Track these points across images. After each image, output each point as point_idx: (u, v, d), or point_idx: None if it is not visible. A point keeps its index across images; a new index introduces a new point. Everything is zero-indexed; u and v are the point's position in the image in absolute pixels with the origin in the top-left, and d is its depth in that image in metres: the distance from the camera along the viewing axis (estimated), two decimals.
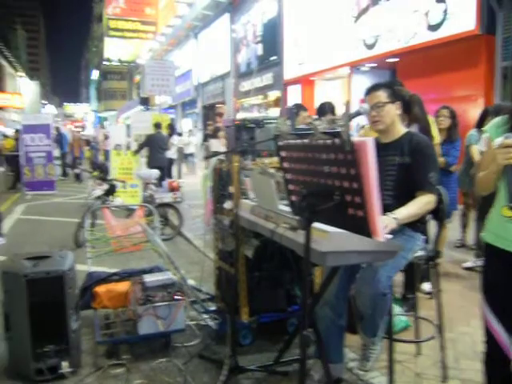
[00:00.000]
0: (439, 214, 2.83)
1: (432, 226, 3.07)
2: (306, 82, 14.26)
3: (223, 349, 3.16)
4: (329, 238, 2.02)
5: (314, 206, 1.96)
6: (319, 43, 12.86)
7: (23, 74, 71.59)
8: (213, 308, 3.69)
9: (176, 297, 3.33)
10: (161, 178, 8.30)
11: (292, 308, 3.48)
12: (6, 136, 17.90)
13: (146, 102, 18.77)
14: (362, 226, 1.85)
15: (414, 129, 3.59)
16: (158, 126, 9.98)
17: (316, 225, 2.03)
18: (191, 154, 16.90)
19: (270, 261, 3.12)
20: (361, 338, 2.71)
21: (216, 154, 3.74)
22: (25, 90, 64.71)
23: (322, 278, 2.89)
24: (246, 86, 18.22)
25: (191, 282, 4.20)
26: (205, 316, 3.54)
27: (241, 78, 19.02)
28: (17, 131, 14.60)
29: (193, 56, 24.87)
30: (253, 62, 17.92)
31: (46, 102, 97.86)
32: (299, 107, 4.74)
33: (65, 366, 2.94)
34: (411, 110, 3.59)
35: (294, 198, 2.31)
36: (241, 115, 17.18)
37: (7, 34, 63.43)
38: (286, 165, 2.28)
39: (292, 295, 3.52)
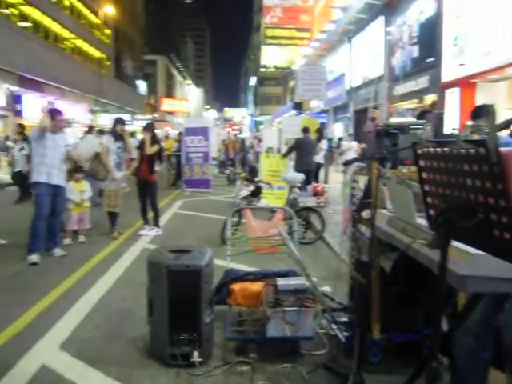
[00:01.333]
0: None
1: None
2: (466, 84, 13.14)
3: (350, 363, 3.03)
4: (472, 260, 1.81)
5: (453, 223, 1.75)
6: (484, 40, 11.74)
7: (190, 82, 78.38)
8: (344, 319, 3.57)
9: (307, 303, 3.29)
10: (307, 182, 8.36)
11: (430, 330, 3.20)
12: (167, 137, 19.77)
13: (299, 106, 19.10)
14: (510, 251, 1.60)
15: None
16: (305, 130, 10.09)
17: (457, 244, 1.83)
18: None
19: (408, 276, 2.91)
20: (506, 378, 2.36)
21: (355, 159, 3.61)
22: (191, 96, 70.91)
23: (465, 301, 2.60)
24: (400, 89, 17.47)
25: (326, 289, 4.13)
26: (334, 326, 3.44)
27: (394, 81, 18.31)
28: (180, 133, 16.00)
29: (346, 60, 24.70)
30: (408, 65, 17.12)
31: (208, 107, 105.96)
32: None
33: (196, 356, 3.11)
34: None
35: (431, 211, 2.11)
36: (393, 120, 16.52)
37: (179, 47, 70.06)
38: (424, 175, 2.09)
39: (431, 316, 3.23)
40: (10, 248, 6.05)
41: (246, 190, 6.61)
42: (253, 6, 69.52)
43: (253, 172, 8.60)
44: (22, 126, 12.45)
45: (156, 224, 7.44)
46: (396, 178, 2.67)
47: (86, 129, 12.92)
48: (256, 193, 6.70)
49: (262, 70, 51.18)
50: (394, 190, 2.61)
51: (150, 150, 7.20)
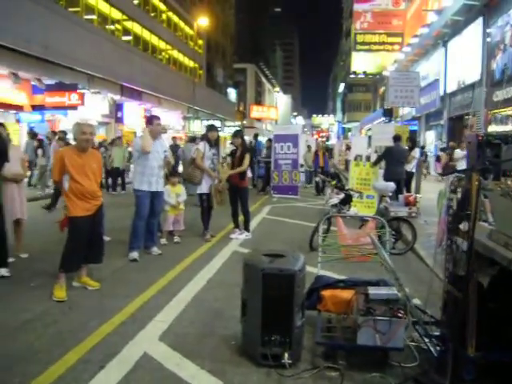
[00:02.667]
0: None
1: None
2: None
3: (441, 379, 2.96)
4: None
5: None
6: None
7: (279, 89, 79.23)
8: (436, 333, 3.48)
9: (398, 314, 3.26)
10: (397, 192, 8.16)
11: None
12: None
13: (388, 113, 18.64)
14: None
15: None
16: (396, 138, 9.82)
17: None
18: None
19: (509, 292, 2.79)
20: None
21: (454, 170, 3.51)
22: (279, 103, 71.61)
23: None
24: (501, 95, 16.36)
25: (416, 301, 4.05)
26: (426, 340, 3.36)
27: (494, 86, 17.19)
28: (269, 140, 16.28)
29: (440, 65, 23.66)
30: (510, 68, 16.01)
31: (295, 114, 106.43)
32: None
33: (286, 357, 3.20)
34: None
35: None
36: (492, 128, 15.55)
37: (268, 56, 71.10)
38: None
39: None
40: (113, 245, 6.54)
41: (336, 198, 6.61)
42: (342, 12, 68.95)
43: (333, 178, 8.57)
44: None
45: (246, 228, 7.67)
46: (499, 191, 2.58)
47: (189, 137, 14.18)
48: (346, 201, 6.68)
49: (351, 76, 50.52)
50: (497, 203, 2.53)
51: (244, 165, 7.46)
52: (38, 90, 18.05)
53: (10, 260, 5.60)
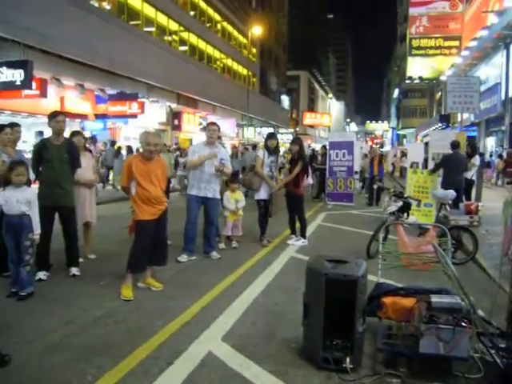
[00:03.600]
0: None
1: None
2: None
3: None
4: None
5: None
6: None
7: (332, 96, 78.73)
8: (502, 345, 3.41)
9: (462, 323, 3.23)
10: (457, 200, 7.97)
11: None
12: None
13: (445, 119, 18.12)
14: None
15: None
16: (454, 145, 9.54)
17: None
18: None
19: None
20: None
21: None
22: (332, 109, 71.16)
23: None
24: None
25: (480, 312, 3.97)
26: (492, 351, 3.30)
27: None
28: (323, 147, 16.26)
29: (501, 68, 22.74)
30: None
31: (349, 120, 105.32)
32: None
33: (348, 362, 3.25)
34: None
35: None
36: None
37: (321, 62, 71.06)
38: None
39: None
40: (174, 248, 6.77)
41: (395, 206, 6.55)
42: (397, 16, 67.69)
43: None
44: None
45: (302, 235, 7.73)
46: None
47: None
48: (404, 209, 6.60)
49: (406, 81, 49.45)
50: None
51: (293, 173, 7.54)
52: (101, 100, 18.99)
53: (80, 260, 5.96)
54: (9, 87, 12.78)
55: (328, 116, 67.48)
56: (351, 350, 3.28)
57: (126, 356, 3.50)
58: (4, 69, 12.60)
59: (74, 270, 5.66)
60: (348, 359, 3.25)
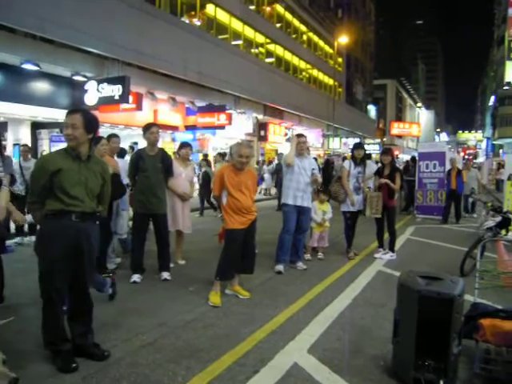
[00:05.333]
0: None
1: None
2: None
3: None
4: None
5: None
6: None
7: (420, 105, 75.83)
8: None
9: None
10: None
11: None
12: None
13: None
14: None
15: None
16: None
17: None
18: None
19: None
20: None
21: None
22: (421, 119, 68.49)
23: None
24: None
25: None
26: None
27: None
28: (413, 158, 15.65)
29: None
30: None
31: (439, 130, 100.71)
32: None
33: None
34: None
35: None
36: None
37: (409, 70, 68.95)
38: None
39: None
40: (260, 257, 6.85)
41: (492, 221, 6.13)
42: (494, 18, 63.82)
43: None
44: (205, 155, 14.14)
45: (391, 248, 7.47)
46: None
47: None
48: (503, 224, 6.15)
49: (504, 88, 46.34)
50: None
51: (397, 184, 7.33)
52: (191, 112, 19.83)
53: (171, 265, 6.23)
54: (108, 102, 13.77)
55: (417, 126, 64.97)
56: (445, 373, 3.10)
57: (213, 361, 3.59)
58: (105, 85, 13.63)
59: (166, 275, 5.93)
60: (442, 382, 3.08)
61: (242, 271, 5.32)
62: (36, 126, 14.06)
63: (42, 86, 13.42)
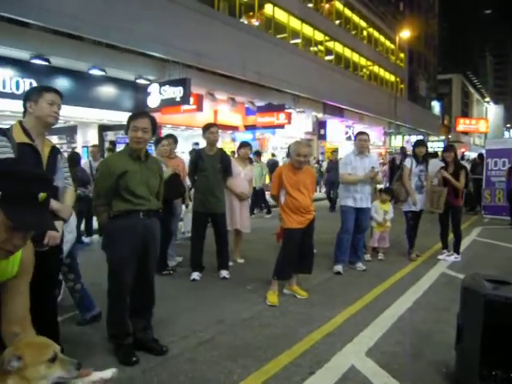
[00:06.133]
0: None
1: None
2: None
3: None
4: None
5: None
6: None
7: (488, 100, 72.16)
8: None
9: None
10: None
11: None
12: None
13: None
14: None
15: None
16: None
17: None
18: None
19: None
20: None
21: None
22: (490, 114, 65.21)
23: None
24: None
25: None
26: None
27: None
28: (480, 155, 14.91)
29: None
30: None
31: (509, 126, 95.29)
32: None
33: None
34: None
35: None
36: None
37: (476, 63, 65.86)
38: None
39: None
40: (318, 257, 6.78)
41: None
42: None
43: None
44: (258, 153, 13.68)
45: (456, 250, 7.16)
46: None
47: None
48: None
49: None
50: None
51: (461, 182, 7.04)
52: (250, 112, 20.02)
53: (230, 264, 6.31)
54: (170, 104, 14.19)
55: (484, 121, 61.78)
56: None
57: (269, 360, 3.59)
58: (166, 87, 14.06)
59: (224, 273, 6.01)
60: None
61: (299, 271, 5.30)
62: (103, 129, 14.74)
63: (107, 90, 14.05)
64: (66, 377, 1.57)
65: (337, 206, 12.87)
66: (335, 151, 17.93)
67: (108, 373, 1.81)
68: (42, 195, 1.46)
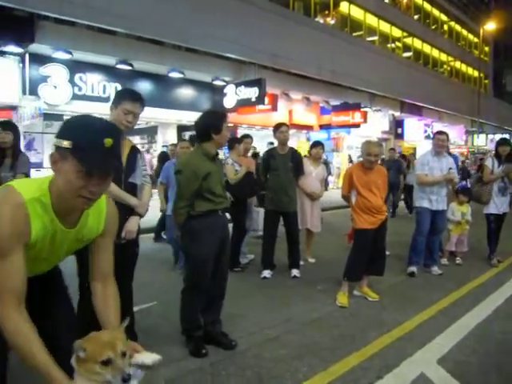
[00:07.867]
0: None
1: None
2: None
3: None
4: None
5: None
6: None
7: None
8: None
9: None
10: None
11: None
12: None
13: None
14: None
15: None
16: None
17: None
18: None
19: None
20: None
21: None
22: None
23: None
24: None
25: None
26: None
27: None
28: None
29: None
30: None
31: None
32: None
33: None
34: None
35: None
36: None
37: None
38: None
39: None
40: (391, 259, 6.61)
41: None
42: None
43: None
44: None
45: None
46: None
47: None
48: None
49: None
50: None
51: None
52: (325, 111, 19.88)
53: (301, 263, 6.33)
54: (246, 104, 14.46)
55: None
56: None
57: (336, 361, 3.57)
58: (242, 88, 14.33)
59: (295, 272, 6.05)
60: None
61: (371, 273, 5.21)
62: (181, 129, 15.32)
63: (185, 92, 14.59)
64: (112, 383, 1.58)
65: (397, 210, 12.49)
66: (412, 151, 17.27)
67: (149, 359, 1.75)
68: (107, 140, 1.59)
